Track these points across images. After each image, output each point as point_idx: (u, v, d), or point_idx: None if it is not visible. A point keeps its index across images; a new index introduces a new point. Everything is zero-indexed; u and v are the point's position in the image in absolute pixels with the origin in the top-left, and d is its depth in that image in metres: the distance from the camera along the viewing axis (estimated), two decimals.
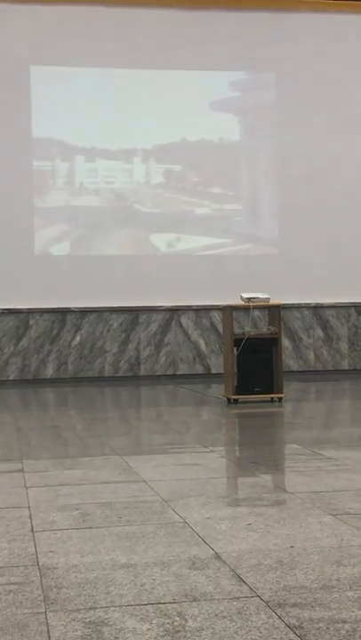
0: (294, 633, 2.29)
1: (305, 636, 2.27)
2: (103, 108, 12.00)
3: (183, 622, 2.39)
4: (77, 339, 11.75)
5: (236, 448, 6.11)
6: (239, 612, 2.46)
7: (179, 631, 2.32)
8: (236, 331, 8.46)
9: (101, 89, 11.99)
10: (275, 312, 8.54)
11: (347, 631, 2.30)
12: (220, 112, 12.28)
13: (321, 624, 2.35)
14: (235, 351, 8.24)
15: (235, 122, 12.34)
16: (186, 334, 11.99)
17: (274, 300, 8.53)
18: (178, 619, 2.42)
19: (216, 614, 2.45)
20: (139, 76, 12.00)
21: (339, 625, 2.34)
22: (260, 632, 2.31)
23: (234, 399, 8.25)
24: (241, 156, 12.45)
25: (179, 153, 12.21)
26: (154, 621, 2.40)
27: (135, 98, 12.04)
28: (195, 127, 12.24)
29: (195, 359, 12.00)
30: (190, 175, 12.29)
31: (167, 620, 2.41)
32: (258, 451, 5.54)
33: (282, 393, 8.31)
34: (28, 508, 3.89)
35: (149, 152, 12.11)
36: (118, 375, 11.80)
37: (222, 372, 9.21)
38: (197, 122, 12.26)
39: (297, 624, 2.36)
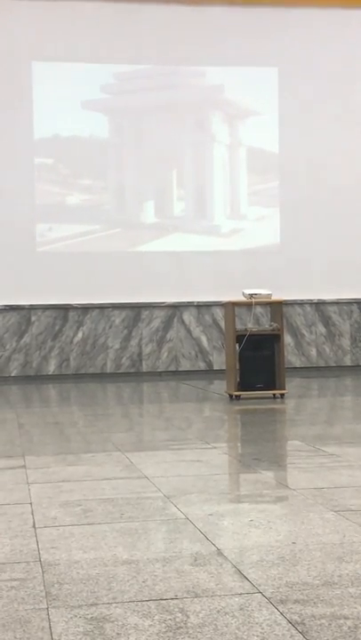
0: (296, 629, 2.29)
1: (307, 632, 2.27)
2: (106, 105, 12.04)
3: (185, 618, 2.39)
4: (79, 335, 11.76)
5: (239, 444, 6.11)
6: (241, 609, 2.46)
7: (181, 627, 2.32)
8: (239, 327, 8.46)
9: (103, 85, 12.01)
10: (277, 308, 8.54)
11: (349, 627, 2.29)
12: (223, 107, 12.26)
13: (323, 620, 2.35)
14: (237, 347, 8.24)
15: (236, 117, 12.32)
16: (188, 330, 11.99)
17: (276, 297, 8.53)
18: (180, 615, 2.42)
19: (218, 610, 2.45)
20: (140, 72, 12.01)
21: (341, 621, 2.34)
22: (262, 628, 2.31)
23: (236, 395, 8.25)
24: (239, 151, 12.43)
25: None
26: (156, 617, 2.40)
27: (136, 93, 12.06)
28: (195, 121, 12.27)
29: (197, 355, 12.00)
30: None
31: (169, 617, 2.41)
32: (260, 447, 5.54)
33: (284, 389, 8.31)
34: (30, 504, 3.89)
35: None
36: (120, 371, 11.81)
37: (224, 368, 9.22)
38: (199, 116, 12.28)
39: (299, 620, 2.36)
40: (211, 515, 3.60)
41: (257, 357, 8.24)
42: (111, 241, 12.05)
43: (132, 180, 12.16)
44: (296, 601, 2.51)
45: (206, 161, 12.32)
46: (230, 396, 8.36)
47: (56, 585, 2.72)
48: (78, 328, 11.77)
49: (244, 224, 12.33)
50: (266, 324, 9.14)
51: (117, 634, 2.29)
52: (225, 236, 12.28)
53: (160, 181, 12.21)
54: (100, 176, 12.15)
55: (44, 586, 2.72)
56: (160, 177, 12.21)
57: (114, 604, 2.52)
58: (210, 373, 11.73)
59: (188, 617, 2.40)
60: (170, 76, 12.14)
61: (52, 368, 11.69)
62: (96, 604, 2.52)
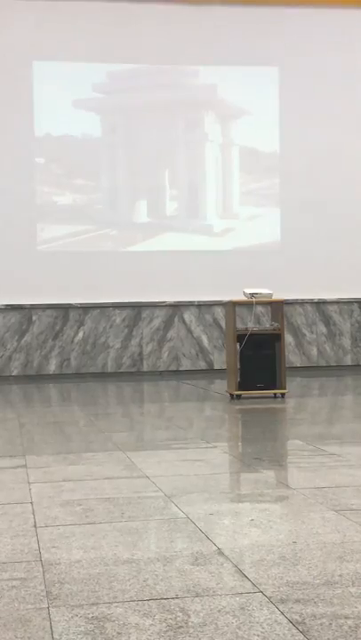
0: (297, 629, 2.29)
1: (308, 631, 2.27)
2: (107, 104, 12.05)
3: (186, 618, 2.39)
4: (80, 334, 11.76)
5: (239, 444, 6.11)
6: (242, 608, 2.46)
7: (181, 627, 2.32)
8: (239, 326, 8.46)
9: (105, 85, 12.02)
10: (278, 308, 8.54)
11: (349, 627, 2.29)
12: (223, 106, 12.27)
13: (324, 620, 2.35)
14: (237, 347, 8.24)
15: (238, 116, 12.32)
16: (189, 330, 11.99)
17: (277, 296, 8.52)
18: (180, 614, 2.42)
19: (219, 610, 2.45)
20: (141, 72, 12.03)
21: (341, 621, 2.34)
22: (263, 628, 2.31)
23: (237, 395, 8.25)
24: (239, 150, 12.43)
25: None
26: (157, 617, 2.40)
27: (136, 92, 12.08)
28: (199, 119, 12.28)
29: (197, 355, 12.00)
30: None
31: (170, 616, 2.41)
32: (261, 446, 5.54)
33: (285, 389, 8.31)
34: (31, 503, 3.89)
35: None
36: (121, 371, 11.81)
37: (225, 367, 9.22)
38: (200, 116, 12.29)
39: (300, 620, 2.36)
40: (211, 514, 3.60)
41: (258, 357, 8.24)
42: (112, 240, 12.06)
43: (135, 179, 12.15)
44: (297, 600, 2.51)
45: (207, 160, 12.31)
46: (231, 395, 8.36)
47: (57, 584, 2.72)
48: (79, 327, 11.77)
49: (246, 223, 12.33)
50: (267, 324, 9.14)
51: (118, 633, 2.29)
52: (226, 235, 12.28)
53: (166, 180, 12.21)
54: (100, 175, 12.14)
55: (45, 585, 2.72)
56: (166, 176, 12.22)
57: (115, 604, 2.52)
58: (210, 373, 11.73)
59: (188, 616, 2.40)
60: (170, 76, 12.13)
61: (52, 367, 11.70)
62: (97, 604, 2.53)
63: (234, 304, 8.40)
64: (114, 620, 2.38)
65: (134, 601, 2.54)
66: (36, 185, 11.80)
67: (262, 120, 12.26)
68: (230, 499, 4.03)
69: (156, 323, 11.92)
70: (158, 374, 11.77)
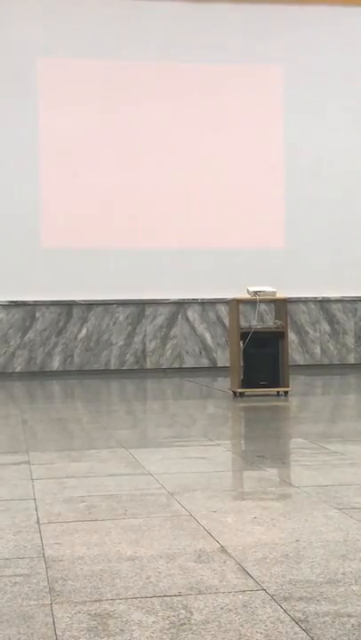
0: (300, 627, 2.29)
1: (310, 629, 2.27)
2: (111, 102, 12.03)
3: (189, 615, 2.39)
4: (84, 331, 11.76)
5: (242, 441, 6.11)
6: (245, 606, 2.46)
7: (184, 624, 2.32)
8: (243, 324, 8.45)
9: (109, 82, 12.00)
10: (281, 306, 8.53)
11: (352, 625, 2.29)
12: (227, 104, 12.25)
13: (326, 618, 2.35)
14: (241, 345, 8.24)
15: (243, 114, 12.31)
16: (192, 327, 11.99)
17: (280, 294, 8.52)
18: (183, 611, 2.42)
19: (221, 607, 2.45)
20: (145, 69, 12.01)
21: (344, 619, 2.34)
22: (266, 625, 2.31)
23: (240, 393, 8.25)
24: (243, 149, 12.42)
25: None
26: (159, 614, 2.40)
27: (139, 90, 12.06)
28: (203, 117, 12.26)
29: (201, 352, 12.01)
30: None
31: (173, 613, 2.41)
32: (264, 444, 5.54)
33: (288, 387, 8.30)
34: (34, 500, 3.89)
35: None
36: (124, 368, 11.82)
37: (228, 365, 9.22)
38: (202, 114, 12.27)
39: (302, 618, 2.36)
40: (214, 511, 3.60)
41: (261, 355, 8.24)
42: (116, 238, 12.05)
43: (138, 177, 12.15)
44: (300, 598, 2.51)
45: (210, 158, 12.31)
46: (234, 393, 8.36)
47: (60, 581, 2.72)
48: (82, 324, 11.78)
49: (250, 221, 12.32)
50: (270, 322, 9.14)
51: (121, 630, 2.29)
52: (230, 233, 12.27)
53: (170, 177, 12.21)
54: (103, 173, 12.13)
55: (48, 581, 2.72)
56: (170, 173, 12.21)
57: (117, 601, 2.52)
58: (214, 370, 11.73)
59: (191, 614, 2.40)
60: (174, 73, 12.12)
61: (56, 364, 11.70)
62: (100, 600, 2.53)
63: (237, 302, 8.40)
64: (117, 617, 2.38)
65: (137, 598, 2.54)
66: (40, 182, 11.79)
67: (267, 118, 12.25)
68: (233, 496, 4.03)
69: (160, 320, 11.92)
70: (161, 372, 11.78)
